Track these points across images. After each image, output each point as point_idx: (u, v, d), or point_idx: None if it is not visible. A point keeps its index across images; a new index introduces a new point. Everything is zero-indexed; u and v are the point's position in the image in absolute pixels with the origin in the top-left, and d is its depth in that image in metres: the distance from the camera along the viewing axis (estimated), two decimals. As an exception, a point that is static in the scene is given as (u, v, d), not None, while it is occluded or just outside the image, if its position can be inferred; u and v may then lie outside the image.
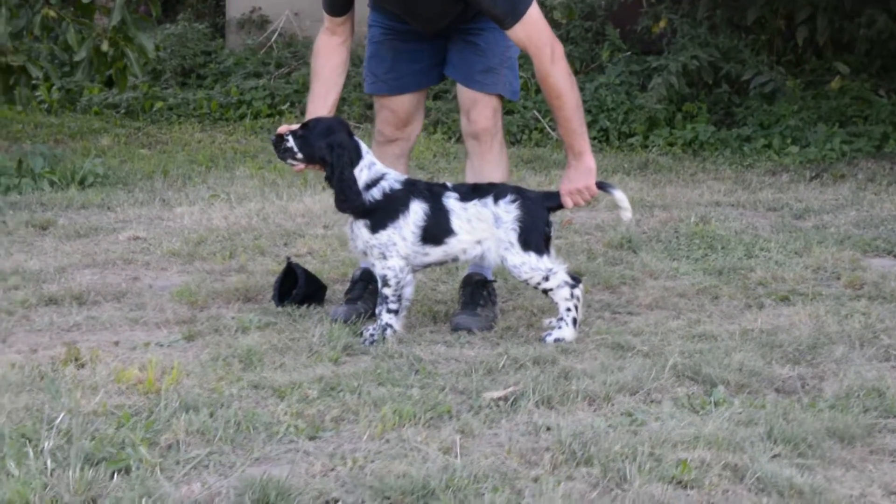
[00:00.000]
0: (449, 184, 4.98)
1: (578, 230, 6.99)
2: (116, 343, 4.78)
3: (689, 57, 10.79)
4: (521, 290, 5.57)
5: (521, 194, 4.88)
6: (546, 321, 5.02)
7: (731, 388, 4.16)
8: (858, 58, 11.33)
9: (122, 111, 12.87)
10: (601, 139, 10.79)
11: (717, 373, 4.25)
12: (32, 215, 7.27)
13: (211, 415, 3.83)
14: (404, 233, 4.83)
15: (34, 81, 9.74)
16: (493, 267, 5.08)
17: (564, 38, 11.97)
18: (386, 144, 5.36)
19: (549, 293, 4.89)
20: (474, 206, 4.85)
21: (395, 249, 4.82)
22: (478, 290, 5.16)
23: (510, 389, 4.12)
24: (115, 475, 3.35)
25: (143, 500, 3.19)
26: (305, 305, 5.28)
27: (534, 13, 4.82)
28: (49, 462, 3.38)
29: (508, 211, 4.82)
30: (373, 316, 5.04)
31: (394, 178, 4.88)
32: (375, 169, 4.88)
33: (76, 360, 4.42)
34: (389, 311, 4.86)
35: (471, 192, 4.90)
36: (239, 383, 4.21)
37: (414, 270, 4.96)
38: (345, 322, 4.97)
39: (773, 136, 10.23)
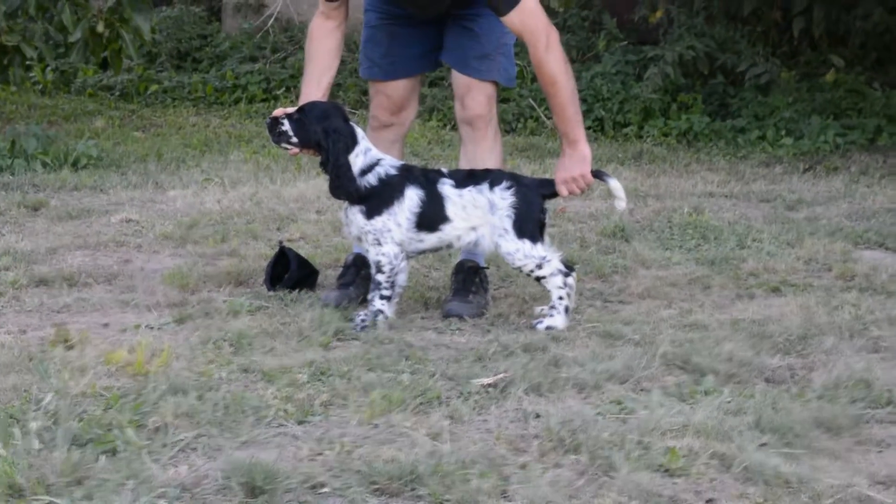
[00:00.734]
0: (444, 170, 4.97)
1: (572, 218, 6.98)
2: (106, 325, 4.78)
3: (686, 47, 10.78)
4: (514, 278, 5.57)
5: (516, 181, 4.87)
6: (538, 309, 5.01)
7: (720, 377, 4.16)
8: (853, 50, 11.33)
9: (117, 93, 12.85)
10: (596, 129, 10.78)
11: (706, 362, 4.25)
12: (25, 196, 7.27)
13: (199, 398, 3.83)
14: (399, 219, 4.82)
15: (28, 62, 9.73)
16: (487, 254, 5.07)
17: (561, 27, 11.95)
18: (380, 130, 5.35)
19: (542, 281, 4.88)
20: (469, 192, 4.85)
21: (389, 236, 4.81)
22: (470, 276, 5.16)
23: (500, 376, 4.12)
24: (102, 457, 3.35)
25: (130, 482, 3.18)
26: (297, 290, 5.27)
27: (529, 1, 4.81)
28: (36, 442, 3.38)
29: (504, 198, 4.81)
30: (364, 301, 5.04)
31: (389, 164, 4.88)
32: (371, 154, 4.87)
33: (65, 341, 4.42)
34: (382, 297, 4.85)
35: (466, 179, 4.89)
36: (228, 367, 4.20)
37: (408, 257, 4.96)
38: (336, 307, 4.97)
39: (768, 128, 10.23)
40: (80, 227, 6.54)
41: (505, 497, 3.22)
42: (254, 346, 4.47)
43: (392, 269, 4.84)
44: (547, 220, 4.93)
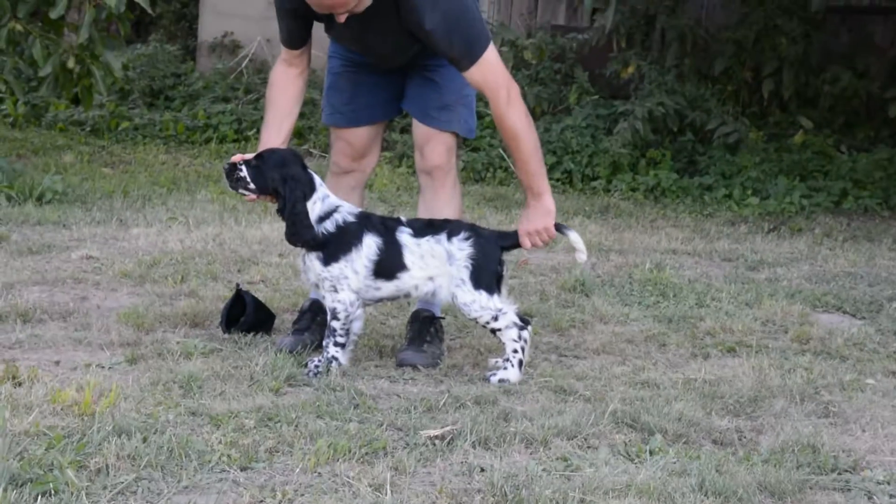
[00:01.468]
0: (403, 218, 4.98)
1: (533, 271, 6.99)
2: (57, 363, 4.75)
3: (656, 103, 10.84)
4: (470, 328, 5.57)
5: (474, 232, 4.88)
6: (492, 361, 5.01)
7: (668, 437, 4.16)
8: (822, 113, 11.43)
9: (88, 129, 12.81)
10: (565, 181, 10.82)
11: (655, 421, 4.26)
12: (-14, 229, 7.23)
13: (144, 440, 3.81)
14: (356, 266, 4.82)
15: (-1, 95, 9.71)
16: (444, 304, 5.07)
17: (533, 79, 12.02)
18: (341, 175, 5.36)
19: (498, 333, 4.89)
20: (427, 241, 4.86)
21: (346, 283, 4.81)
22: (425, 326, 5.16)
23: (448, 428, 4.11)
24: (40, 497, 3.32)
25: (66, 525, 3.16)
26: (253, 333, 5.26)
27: (490, 56, 4.83)
28: (-27, 481, 3.35)
29: (461, 248, 4.82)
30: (319, 347, 5.03)
31: (347, 211, 4.88)
32: (329, 202, 4.87)
33: (13, 378, 4.39)
34: (336, 343, 4.84)
35: (424, 228, 4.90)
36: (176, 409, 4.18)
37: (365, 305, 4.95)
38: (290, 352, 4.95)
39: (735, 187, 10.28)
40: (39, 263, 6.51)
41: (443, 552, 3.21)
42: (204, 388, 4.45)
43: (347, 317, 4.83)
44: (505, 273, 4.94)
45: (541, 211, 4.96)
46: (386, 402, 4.48)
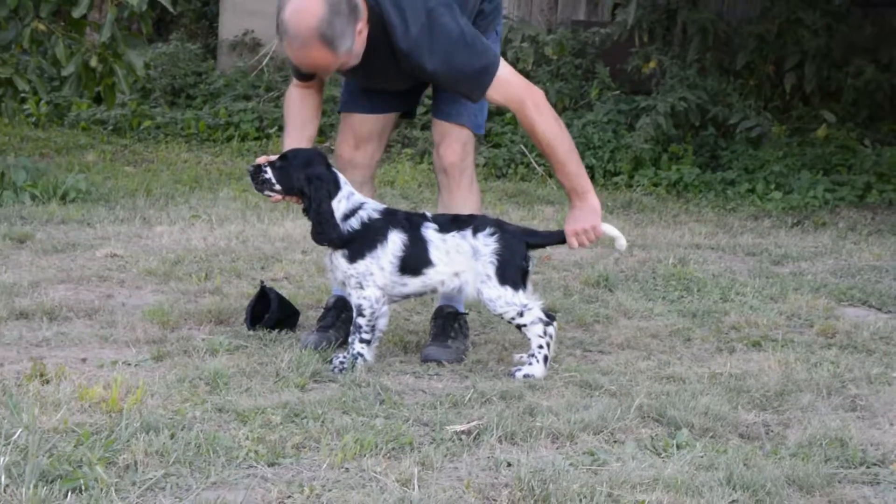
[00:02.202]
0: (428, 214, 4.97)
1: (556, 266, 6.99)
2: (84, 360, 4.76)
3: (678, 98, 10.82)
4: (494, 324, 5.57)
5: (500, 228, 4.88)
6: (517, 356, 5.00)
7: (695, 431, 4.15)
8: (845, 107, 11.40)
9: (110, 128, 12.87)
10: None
11: (682, 415, 4.24)
12: (11, 228, 7.26)
13: (172, 436, 3.81)
14: (382, 263, 4.82)
15: (22, 94, 9.74)
16: (470, 299, 5.05)
17: (555, 74, 12.02)
18: (345, 170, 5.27)
19: (523, 329, 4.88)
20: (453, 237, 4.85)
21: (371, 279, 4.81)
22: (449, 322, 5.16)
23: (474, 423, 4.11)
24: (70, 494, 3.33)
25: (96, 520, 3.18)
26: (277, 330, 5.27)
27: (502, 73, 4.81)
28: (3, 478, 3.35)
29: (487, 244, 4.82)
30: (344, 344, 5.03)
31: (372, 208, 4.88)
32: (354, 199, 4.87)
33: (41, 375, 4.41)
34: (362, 340, 4.84)
35: (450, 224, 4.89)
36: (203, 406, 4.19)
37: (392, 301, 4.95)
38: (315, 349, 4.96)
39: (758, 181, 10.26)
40: (64, 261, 6.53)
41: (472, 546, 3.21)
42: (230, 385, 4.45)
43: (373, 313, 4.83)
44: (530, 269, 4.93)
45: (587, 210, 4.95)
46: (411, 397, 4.48)
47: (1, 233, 7.08)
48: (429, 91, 5.44)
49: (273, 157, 4.91)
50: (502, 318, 4.90)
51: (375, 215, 4.86)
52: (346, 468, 3.69)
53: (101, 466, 3.50)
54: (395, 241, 4.83)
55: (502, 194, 9.82)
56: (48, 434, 3.78)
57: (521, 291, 4.85)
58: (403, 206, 8.46)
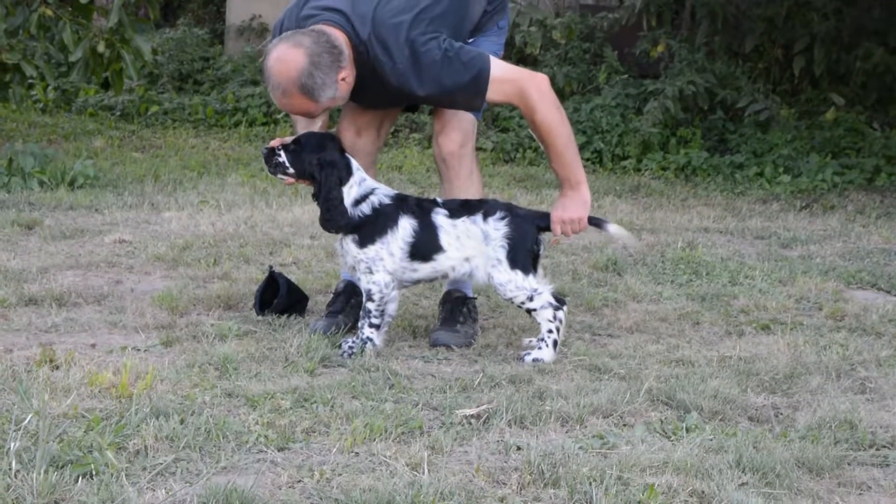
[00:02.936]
0: (439, 199, 4.97)
1: (565, 250, 6.98)
2: (93, 346, 4.77)
3: (686, 82, 10.80)
4: (503, 308, 5.57)
5: (510, 212, 4.86)
6: (526, 340, 5.00)
7: (704, 414, 4.15)
8: (854, 90, 11.37)
9: (118, 113, 12.87)
10: (595, 161, 10.80)
11: (691, 399, 4.24)
12: (19, 214, 7.27)
13: (181, 421, 3.82)
14: (392, 248, 4.82)
15: (29, 80, 9.74)
16: (480, 284, 5.03)
17: (563, 59, 12.00)
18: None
19: (533, 313, 4.88)
20: (463, 222, 4.84)
21: (381, 264, 4.81)
22: (457, 306, 5.15)
23: (483, 407, 4.11)
24: (80, 479, 3.34)
25: (106, 505, 3.18)
26: (286, 315, 5.27)
27: (495, 72, 4.79)
28: (14, 463, 3.36)
29: (497, 228, 4.81)
30: (352, 329, 5.03)
31: (383, 194, 4.87)
32: (366, 184, 4.86)
33: (51, 361, 4.42)
34: (371, 325, 4.84)
35: (460, 209, 4.88)
36: (212, 391, 4.20)
37: (402, 286, 4.95)
38: (324, 334, 4.96)
39: (766, 165, 10.24)
40: (72, 247, 6.54)
41: (482, 530, 3.21)
42: (239, 370, 4.46)
43: (382, 298, 4.83)
44: (541, 253, 4.93)
45: (577, 201, 4.94)
46: (421, 382, 4.48)
47: (9, 219, 7.08)
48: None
49: (287, 140, 4.90)
50: (512, 302, 4.90)
51: (386, 201, 4.85)
52: (356, 452, 3.70)
53: (111, 451, 3.51)
54: (406, 226, 4.82)
55: (510, 179, 9.81)
56: (58, 419, 3.78)
57: (531, 276, 4.84)
58: (411, 190, 8.46)
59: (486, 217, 4.83)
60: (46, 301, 5.36)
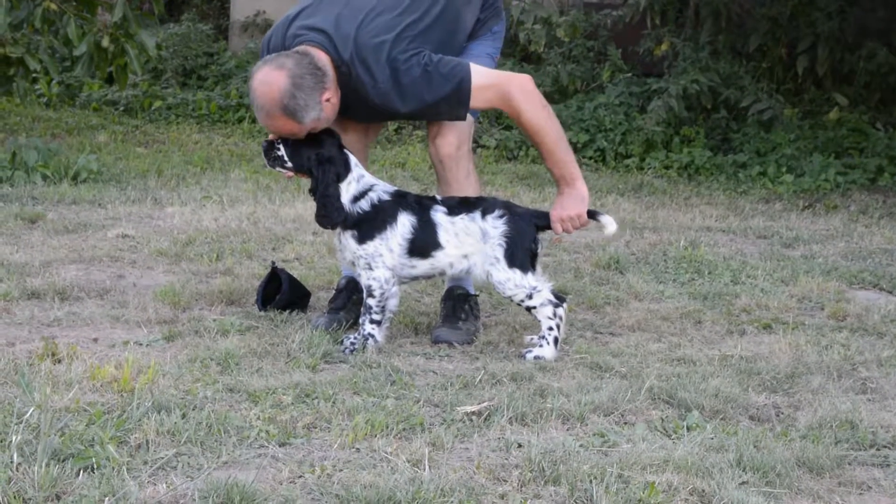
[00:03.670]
0: (438, 197, 4.97)
1: (567, 248, 6.99)
2: (95, 340, 4.78)
3: (690, 81, 10.80)
4: (505, 306, 5.57)
5: (509, 210, 4.87)
6: (527, 338, 5.01)
7: (705, 413, 4.15)
8: (857, 90, 11.37)
9: (121, 108, 12.89)
10: (598, 159, 10.80)
11: (692, 397, 4.25)
12: (23, 208, 7.28)
13: (183, 416, 3.83)
14: (391, 244, 4.82)
15: (33, 74, 9.75)
16: (479, 282, 5.05)
17: (566, 56, 12.01)
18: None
19: (533, 311, 4.89)
20: (462, 220, 4.85)
21: (381, 260, 4.81)
22: (459, 303, 5.16)
23: (484, 404, 4.11)
24: (81, 473, 3.34)
25: (107, 499, 3.18)
26: (288, 311, 5.28)
27: (477, 80, 4.81)
28: (15, 456, 3.37)
29: (496, 226, 4.82)
30: (354, 325, 5.04)
31: (382, 190, 4.88)
32: (364, 181, 4.87)
33: (53, 355, 4.42)
34: (372, 321, 4.85)
35: (459, 206, 4.89)
36: (214, 386, 4.20)
37: (401, 283, 4.96)
38: (326, 330, 4.97)
39: (769, 164, 10.24)
40: (75, 241, 6.55)
41: (482, 526, 3.21)
42: (241, 366, 4.46)
43: (383, 294, 4.84)
44: (540, 251, 4.93)
45: (575, 197, 4.95)
46: (422, 378, 4.49)
47: (13, 213, 7.09)
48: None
49: None
50: (512, 300, 4.91)
51: (386, 197, 4.86)
52: (357, 448, 3.70)
53: (112, 445, 3.52)
54: (405, 223, 4.83)
55: (513, 176, 9.81)
56: (60, 413, 3.79)
57: (529, 274, 4.84)
58: (414, 187, 8.47)
59: (484, 215, 4.84)
60: (49, 295, 5.36)
